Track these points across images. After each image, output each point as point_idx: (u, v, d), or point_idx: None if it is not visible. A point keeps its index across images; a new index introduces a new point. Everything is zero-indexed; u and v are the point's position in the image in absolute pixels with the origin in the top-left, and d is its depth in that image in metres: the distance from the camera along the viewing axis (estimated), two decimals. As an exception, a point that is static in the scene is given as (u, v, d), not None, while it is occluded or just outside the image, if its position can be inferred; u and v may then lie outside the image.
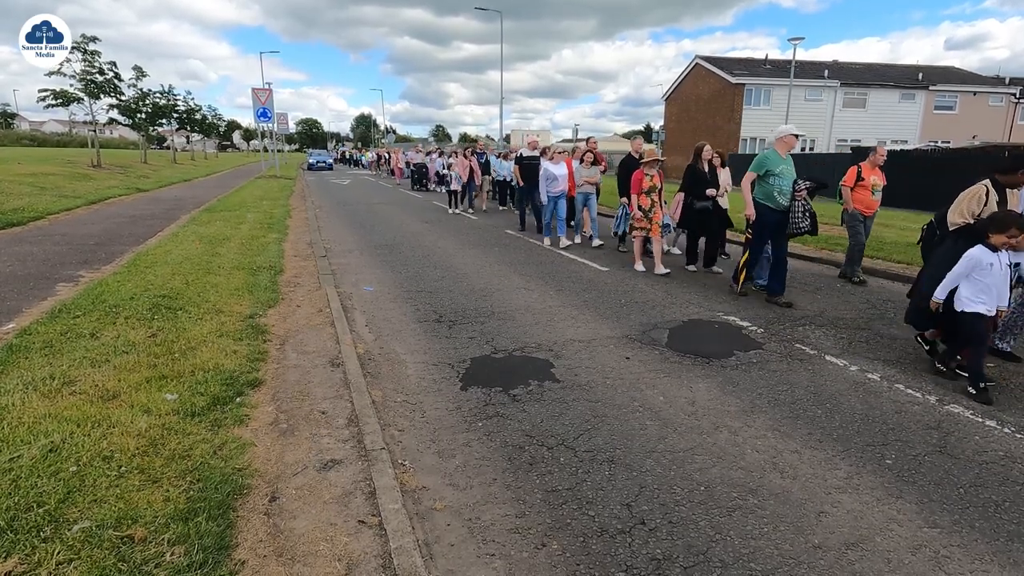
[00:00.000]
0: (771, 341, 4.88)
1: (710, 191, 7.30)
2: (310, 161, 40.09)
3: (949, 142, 29.09)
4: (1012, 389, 3.95)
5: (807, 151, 29.88)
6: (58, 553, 2.08)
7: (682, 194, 7.85)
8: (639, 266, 7.64)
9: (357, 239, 10.24)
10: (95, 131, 26.04)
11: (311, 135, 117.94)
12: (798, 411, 3.59)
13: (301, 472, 2.81)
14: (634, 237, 7.80)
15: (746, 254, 6.33)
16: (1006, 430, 3.36)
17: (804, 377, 4.12)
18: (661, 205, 7.54)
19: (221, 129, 60.18)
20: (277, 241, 9.26)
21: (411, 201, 17.63)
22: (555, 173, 9.07)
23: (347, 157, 55.49)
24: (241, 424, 3.19)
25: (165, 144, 58.63)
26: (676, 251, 8.89)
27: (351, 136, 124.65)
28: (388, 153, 33.03)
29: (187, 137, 49.10)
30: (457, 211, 14.25)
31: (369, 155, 40.42)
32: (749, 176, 6.07)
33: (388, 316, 5.55)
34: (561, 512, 2.57)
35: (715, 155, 7.75)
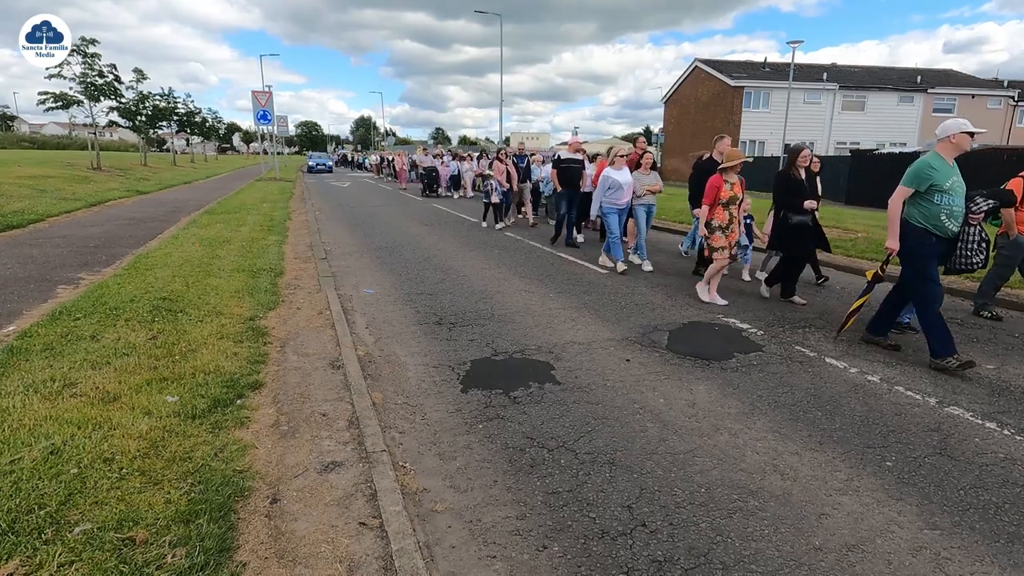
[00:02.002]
0: (771, 343, 4.89)
1: (809, 203, 5.94)
2: (310, 164, 40.11)
3: (948, 145, 29.07)
4: (1012, 391, 3.95)
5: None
6: (59, 555, 2.08)
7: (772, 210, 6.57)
8: (713, 297, 6.15)
9: (357, 241, 10.24)
10: (95, 134, 26.05)
11: (311, 138, 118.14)
12: (798, 413, 3.59)
13: (302, 474, 2.81)
14: (713, 259, 6.17)
15: (866, 296, 4.94)
16: (1006, 432, 3.36)
17: (804, 379, 4.13)
18: (740, 222, 6.30)
19: (221, 132, 60.30)
20: (277, 243, 9.26)
21: (411, 204, 17.65)
22: (620, 181, 7.48)
23: (349, 160, 55.36)
24: (242, 426, 3.20)
25: (165, 147, 58.69)
26: (761, 275, 7.10)
27: (351, 139, 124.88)
28: (392, 156, 31.95)
29: (187, 140, 49.18)
30: (498, 226, 11.91)
31: (372, 158, 39.82)
32: (902, 192, 4.40)
33: (388, 318, 5.55)
34: (562, 514, 2.57)
35: (814, 160, 6.58)
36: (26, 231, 9.92)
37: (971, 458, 3.08)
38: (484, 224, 12.20)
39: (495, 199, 11.84)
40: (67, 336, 4.35)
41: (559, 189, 9.75)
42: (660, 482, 2.82)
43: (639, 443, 3.20)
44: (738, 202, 6.08)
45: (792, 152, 6.19)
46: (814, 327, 5.35)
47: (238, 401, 3.47)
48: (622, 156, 7.70)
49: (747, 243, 7.09)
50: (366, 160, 45.13)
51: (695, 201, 7.32)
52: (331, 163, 43.37)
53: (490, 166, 16.56)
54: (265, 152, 38.71)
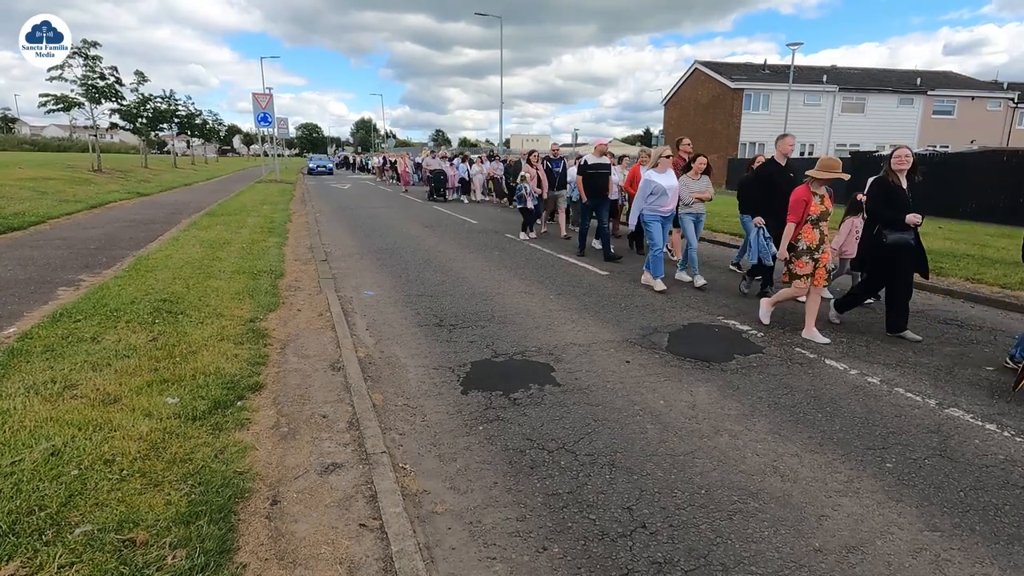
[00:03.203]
0: (771, 345, 4.89)
1: (912, 217, 4.80)
2: (310, 166, 40.11)
3: (948, 146, 29.22)
4: (1013, 393, 3.95)
5: (806, 156, 29.94)
6: (60, 556, 2.08)
7: (852, 219, 5.82)
8: (811, 333, 5.04)
9: (357, 243, 10.25)
10: (96, 136, 26.08)
11: (311, 140, 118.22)
12: (798, 415, 3.59)
13: (302, 476, 2.81)
14: (792, 287, 5.16)
15: None
16: (1006, 433, 3.37)
17: (804, 381, 4.13)
18: (830, 241, 5.27)
19: (221, 134, 60.36)
20: (278, 245, 9.27)
21: (412, 206, 17.66)
22: (664, 186, 6.58)
23: (351, 162, 55.04)
24: (242, 428, 3.20)
25: (166, 149, 58.80)
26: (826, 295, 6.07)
27: (351, 141, 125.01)
28: (394, 157, 31.07)
29: (188, 142, 49.19)
30: (524, 236, 10.83)
31: (375, 160, 39.45)
32: None
33: (388, 320, 5.55)
34: (562, 515, 2.57)
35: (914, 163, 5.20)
36: (27, 233, 9.93)
37: (971, 460, 3.08)
38: (523, 236, 10.93)
39: (529, 204, 10.70)
40: (68, 338, 4.35)
41: (585, 199, 8.83)
42: (660, 484, 2.82)
43: (639, 445, 3.20)
44: (828, 217, 5.05)
45: (894, 157, 4.99)
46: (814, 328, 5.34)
47: (238, 403, 3.48)
48: (667, 157, 6.77)
49: (836, 267, 5.94)
50: (369, 162, 44.65)
51: (750, 210, 6.32)
52: (331, 165, 43.34)
53: (507, 173, 15.58)
54: (265, 154, 38.81)
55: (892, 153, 5.00)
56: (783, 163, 6.09)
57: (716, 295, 6.61)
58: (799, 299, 5.50)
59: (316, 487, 2.72)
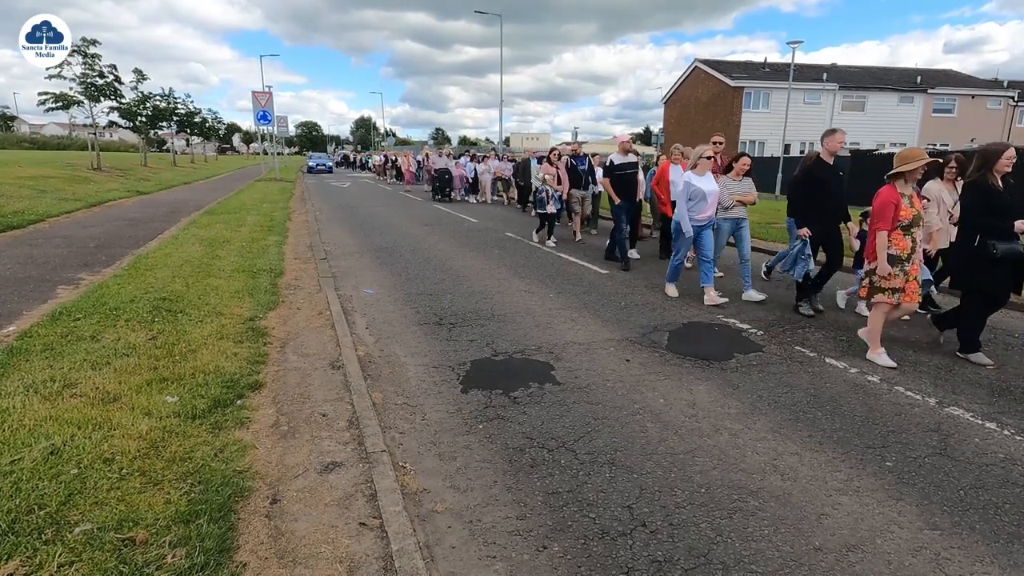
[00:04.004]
0: (771, 343, 4.89)
1: (1021, 224, 4.27)
2: (310, 164, 40.05)
3: (948, 145, 29.16)
4: (1012, 391, 3.95)
5: (806, 153, 29.91)
6: (59, 555, 2.08)
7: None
8: (882, 357, 4.45)
9: (357, 242, 10.24)
10: (95, 134, 26.05)
11: (311, 138, 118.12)
12: (798, 413, 3.59)
13: (302, 474, 2.81)
14: (872, 304, 4.55)
15: None
16: (1006, 432, 3.36)
17: (804, 379, 4.13)
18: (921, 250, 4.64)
19: (221, 132, 60.30)
20: (277, 244, 9.26)
21: (412, 205, 17.64)
22: (703, 189, 6.02)
23: (351, 160, 54.83)
24: (242, 426, 3.20)
25: (165, 147, 58.67)
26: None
27: (351, 139, 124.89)
28: (395, 156, 30.18)
29: (187, 140, 49.14)
30: (550, 242, 9.89)
31: (376, 158, 39.07)
32: None
33: (388, 319, 5.55)
34: (562, 514, 2.57)
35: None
36: (26, 231, 9.92)
37: (971, 458, 3.08)
38: (536, 239, 10.21)
39: (551, 208, 9.81)
40: (67, 336, 4.35)
41: (617, 201, 8.07)
42: (660, 482, 2.82)
43: (639, 443, 3.20)
44: (921, 222, 4.45)
45: (989, 154, 4.37)
46: (814, 327, 5.35)
47: (238, 401, 3.47)
48: (708, 158, 6.13)
49: (929, 278, 5.33)
50: (370, 161, 44.19)
51: (801, 215, 5.71)
52: (331, 164, 43.26)
53: (515, 172, 14.80)
54: (265, 152, 38.73)
55: (998, 151, 4.34)
56: (831, 161, 5.49)
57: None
58: (859, 312, 5.33)
59: (316, 486, 2.72)
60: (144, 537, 2.20)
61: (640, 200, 8.84)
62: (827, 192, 5.46)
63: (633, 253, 8.70)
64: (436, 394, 3.85)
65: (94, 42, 21.80)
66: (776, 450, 3.14)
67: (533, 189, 12.94)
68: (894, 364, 4.37)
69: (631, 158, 8.16)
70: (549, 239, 10.02)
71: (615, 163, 8.11)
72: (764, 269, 7.52)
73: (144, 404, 3.28)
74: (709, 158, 6.18)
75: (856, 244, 5.85)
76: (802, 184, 5.67)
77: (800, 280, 5.66)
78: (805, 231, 5.53)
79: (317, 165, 39.52)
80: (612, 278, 7.38)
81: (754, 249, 7.01)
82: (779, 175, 21.99)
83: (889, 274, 4.35)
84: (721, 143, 7.58)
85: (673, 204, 8.04)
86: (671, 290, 6.51)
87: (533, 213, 11.92)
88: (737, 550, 2.34)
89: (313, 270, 7.44)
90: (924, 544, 2.40)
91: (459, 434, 3.30)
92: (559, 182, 9.94)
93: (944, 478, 2.89)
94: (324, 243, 9.78)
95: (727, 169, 6.76)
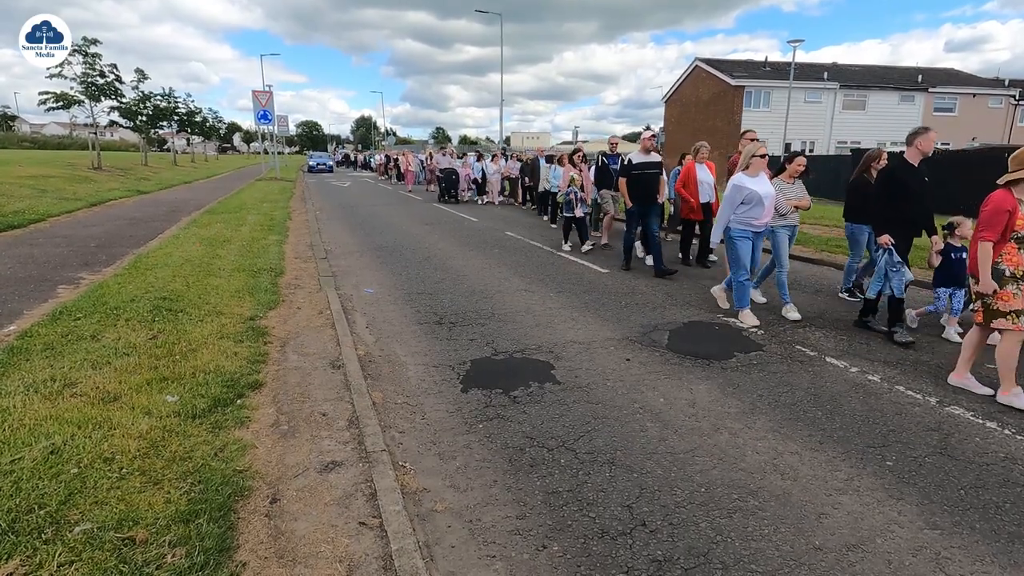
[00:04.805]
0: (771, 343, 4.88)
1: None
2: (310, 163, 40.01)
3: (949, 144, 29.16)
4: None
5: (807, 153, 29.92)
6: (59, 555, 2.08)
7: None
8: (965, 380, 3.98)
9: (357, 241, 10.24)
10: (96, 133, 26.04)
11: (311, 137, 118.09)
12: (799, 413, 3.59)
13: (302, 474, 2.81)
14: (992, 327, 3.80)
15: None
16: (1006, 431, 3.36)
17: (805, 379, 4.12)
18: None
19: (221, 131, 60.30)
20: (277, 243, 9.27)
21: (413, 204, 17.63)
22: (759, 193, 5.30)
23: (352, 159, 54.69)
24: (242, 426, 3.20)
25: (166, 146, 58.63)
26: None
27: (351, 138, 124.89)
28: (397, 155, 29.27)
29: (188, 139, 49.12)
30: (584, 248, 9.09)
31: (378, 157, 38.68)
32: None
33: (388, 318, 5.55)
34: (562, 514, 2.57)
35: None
36: (27, 231, 9.93)
37: (971, 458, 3.07)
38: (566, 246, 9.32)
39: (579, 212, 9.07)
40: (67, 336, 4.35)
41: (631, 204, 7.49)
42: (660, 482, 2.82)
43: (639, 443, 3.20)
44: None
45: None
46: (814, 326, 5.34)
47: (238, 401, 3.48)
48: (762, 157, 5.41)
49: None
50: (372, 160, 43.68)
51: (871, 220, 5.11)
52: (332, 163, 43.19)
53: (523, 172, 14.13)
54: (265, 152, 38.70)
55: None
56: (916, 163, 4.80)
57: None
58: (946, 338, 4.84)
59: (316, 485, 2.72)
60: (144, 536, 2.20)
61: (662, 203, 8.03)
62: (908, 198, 4.77)
63: (648, 260, 8.05)
64: (436, 393, 3.84)
65: (95, 41, 21.82)
66: (776, 449, 3.14)
67: (540, 191, 12.81)
68: (989, 391, 3.81)
69: (654, 157, 7.49)
70: (583, 245, 9.14)
71: (634, 162, 7.45)
72: (840, 288, 6.48)
73: (144, 403, 3.29)
74: (763, 156, 5.43)
75: (936, 260, 5.07)
76: (882, 186, 4.92)
77: (902, 296, 4.85)
78: (886, 238, 4.79)
79: (318, 164, 39.48)
80: (612, 277, 7.37)
81: (766, 252, 6.28)
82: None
83: (1000, 293, 3.70)
84: (754, 136, 6.84)
85: (704, 207, 7.83)
86: (748, 318, 5.40)
87: (550, 221, 11.80)
88: (737, 549, 2.34)
89: (313, 269, 7.44)
90: (924, 544, 2.40)
91: (459, 433, 3.30)
92: (580, 185, 9.23)
93: (944, 477, 2.88)
94: (324, 242, 9.78)
95: (779, 171, 6.04)
